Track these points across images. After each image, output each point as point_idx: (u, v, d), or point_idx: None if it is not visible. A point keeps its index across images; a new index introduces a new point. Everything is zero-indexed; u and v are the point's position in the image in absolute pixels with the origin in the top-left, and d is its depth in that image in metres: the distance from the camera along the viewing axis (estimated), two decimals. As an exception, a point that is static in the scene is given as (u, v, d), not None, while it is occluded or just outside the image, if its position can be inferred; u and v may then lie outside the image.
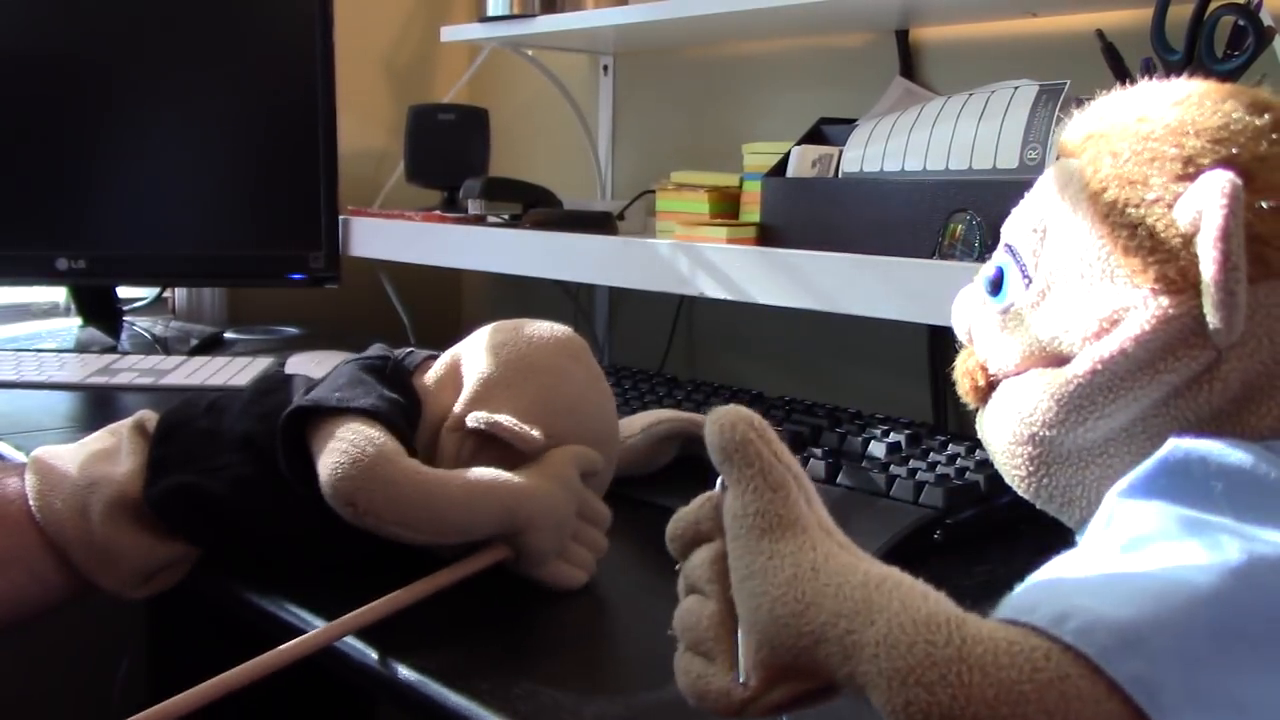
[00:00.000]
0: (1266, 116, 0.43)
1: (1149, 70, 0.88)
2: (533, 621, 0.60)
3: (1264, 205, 0.41)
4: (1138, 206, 0.43)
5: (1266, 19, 0.83)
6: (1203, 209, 0.40)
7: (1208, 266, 0.40)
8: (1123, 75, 0.89)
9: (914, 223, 0.96)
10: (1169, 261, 0.41)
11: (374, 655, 0.55)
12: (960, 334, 0.53)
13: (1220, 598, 0.34)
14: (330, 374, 0.65)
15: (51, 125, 1.33)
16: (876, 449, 0.84)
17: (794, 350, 1.41)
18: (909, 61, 1.26)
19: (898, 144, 1.02)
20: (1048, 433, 0.45)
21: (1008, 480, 0.49)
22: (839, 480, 0.78)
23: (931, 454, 0.84)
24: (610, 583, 0.63)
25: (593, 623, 0.61)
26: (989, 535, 0.74)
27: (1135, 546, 0.37)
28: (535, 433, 0.62)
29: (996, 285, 0.49)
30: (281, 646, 0.54)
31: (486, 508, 0.59)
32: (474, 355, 0.66)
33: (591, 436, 0.65)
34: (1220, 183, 0.40)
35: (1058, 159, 0.49)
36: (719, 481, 0.41)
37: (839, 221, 1.02)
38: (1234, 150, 0.42)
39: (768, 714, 0.39)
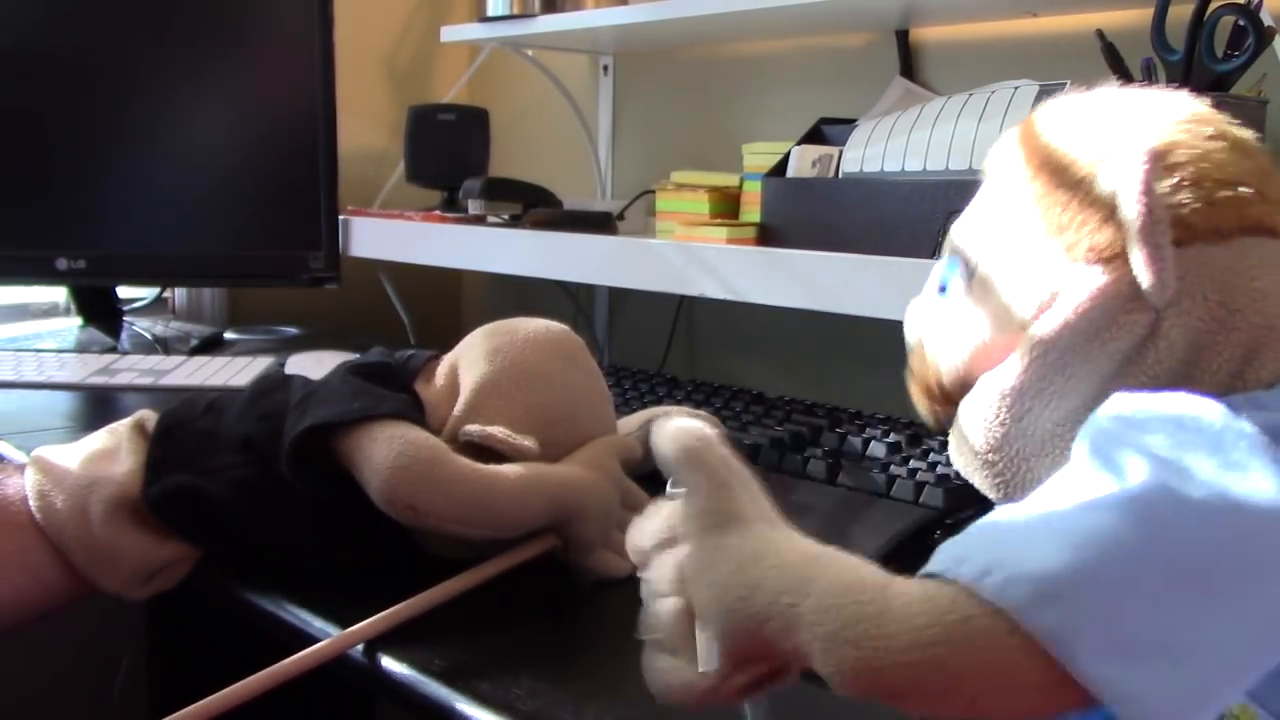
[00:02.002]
0: (1180, 108, 0.46)
1: (1149, 70, 0.88)
2: (533, 621, 0.60)
3: (1175, 163, 0.44)
4: (1066, 187, 0.46)
5: (1266, 19, 0.83)
6: (1121, 173, 0.43)
7: (1132, 223, 0.42)
8: (1123, 75, 0.89)
9: (914, 223, 0.96)
10: (1097, 232, 0.44)
11: (373, 655, 0.55)
12: (911, 340, 0.55)
13: (1143, 545, 0.35)
14: (328, 379, 0.65)
15: (52, 125, 1.33)
16: (877, 449, 0.84)
17: (794, 350, 1.41)
18: (909, 61, 1.26)
19: (898, 144, 1.02)
20: (1015, 427, 0.47)
21: (990, 495, 0.50)
22: (839, 480, 0.78)
23: (931, 454, 0.84)
24: (611, 582, 0.63)
25: (593, 623, 0.61)
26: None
27: (1059, 482, 0.38)
28: (529, 443, 0.62)
29: (944, 290, 0.52)
30: (314, 647, 0.54)
31: (538, 499, 0.59)
32: (470, 362, 0.66)
33: (587, 440, 0.66)
34: (1136, 148, 0.43)
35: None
36: (670, 488, 0.44)
37: (839, 222, 1.02)
38: (1146, 134, 0.45)
39: (731, 699, 0.41)
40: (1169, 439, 0.38)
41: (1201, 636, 0.34)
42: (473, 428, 0.62)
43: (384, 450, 0.58)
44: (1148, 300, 0.43)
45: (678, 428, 0.43)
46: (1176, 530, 0.35)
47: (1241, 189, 0.44)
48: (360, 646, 0.55)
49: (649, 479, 0.80)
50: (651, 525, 0.45)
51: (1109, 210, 0.44)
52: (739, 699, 0.42)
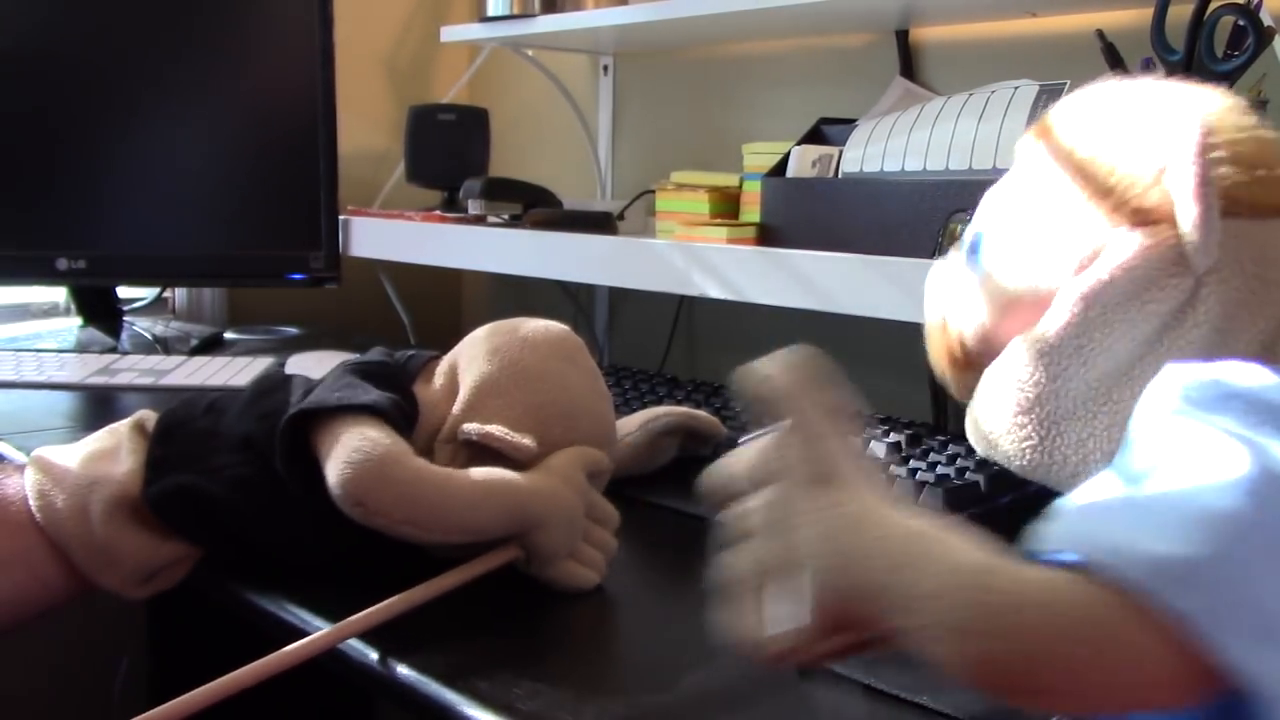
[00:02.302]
0: (1212, 97, 0.47)
1: (1149, 70, 0.88)
2: (532, 621, 0.60)
3: (1219, 141, 0.44)
4: (1110, 154, 0.46)
5: (1266, 19, 0.83)
6: (1176, 136, 0.44)
7: (1185, 186, 0.43)
8: (1123, 75, 0.89)
9: (914, 223, 0.96)
10: (1144, 197, 0.45)
11: (374, 655, 0.55)
12: (933, 316, 0.54)
13: (1264, 520, 0.34)
14: (325, 378, 0.65)
15: (52, 125, 1.33)
16: (877, 449, 0.84)
17: (794, 350, 1.41)
18: (909, 61, 1.26)
19: (898, 144, 1.02)
20: (1050, 386, 0.46)
21: (1016, 461, 0.49)
22: (839, 480, 0.78)
23: (931, 454, 0.84)
24: (611, 583, 0.63)
25: (593, 623, 0.61)
26: (989, 535, 0.74)
27: (1165, 467, 0.36)
28: (527, 441, 0.62)
29: (975, 251, 0.51)
30: (290, 646, 0.54)
31: (494, 507, 0.59)
32: (469, 361, 0.66)
33: (586, 441, 0.66)
34: (1191, 120, 0.44)
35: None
36: (769, 429, 0.42)
37: (839, 221, 1.02)
38: (1195, 106, 0.46)
39: (812, 662, 0.40)
40: (1246, 414, 0.37)
41: None
42: (470, 426, 0.62)
43: (342, 445, 0.58)
44: (1189, 265, 0.44)
45: (793, 360, 0.41)
46: None
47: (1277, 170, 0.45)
48: (373, 651, 0.55)
49: (648, 482, 0.80)
50: (739, 462, 0.43)
51: (1157, 174, 0.44)
52: (819, 663, 0.39)
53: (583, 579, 0.62)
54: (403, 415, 0.63)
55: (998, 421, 0.49)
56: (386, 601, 0.56)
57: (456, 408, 0.65)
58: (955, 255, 0.53)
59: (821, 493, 0.38)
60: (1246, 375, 0.39)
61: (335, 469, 0.57)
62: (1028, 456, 0.48)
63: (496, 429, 0.62)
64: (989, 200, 0.52)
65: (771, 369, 0.41)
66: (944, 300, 0.53)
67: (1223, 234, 0.44)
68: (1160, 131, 0.45)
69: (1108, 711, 0.34)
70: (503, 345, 0.66)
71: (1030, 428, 0.47)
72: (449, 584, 0.58)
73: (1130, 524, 0.35)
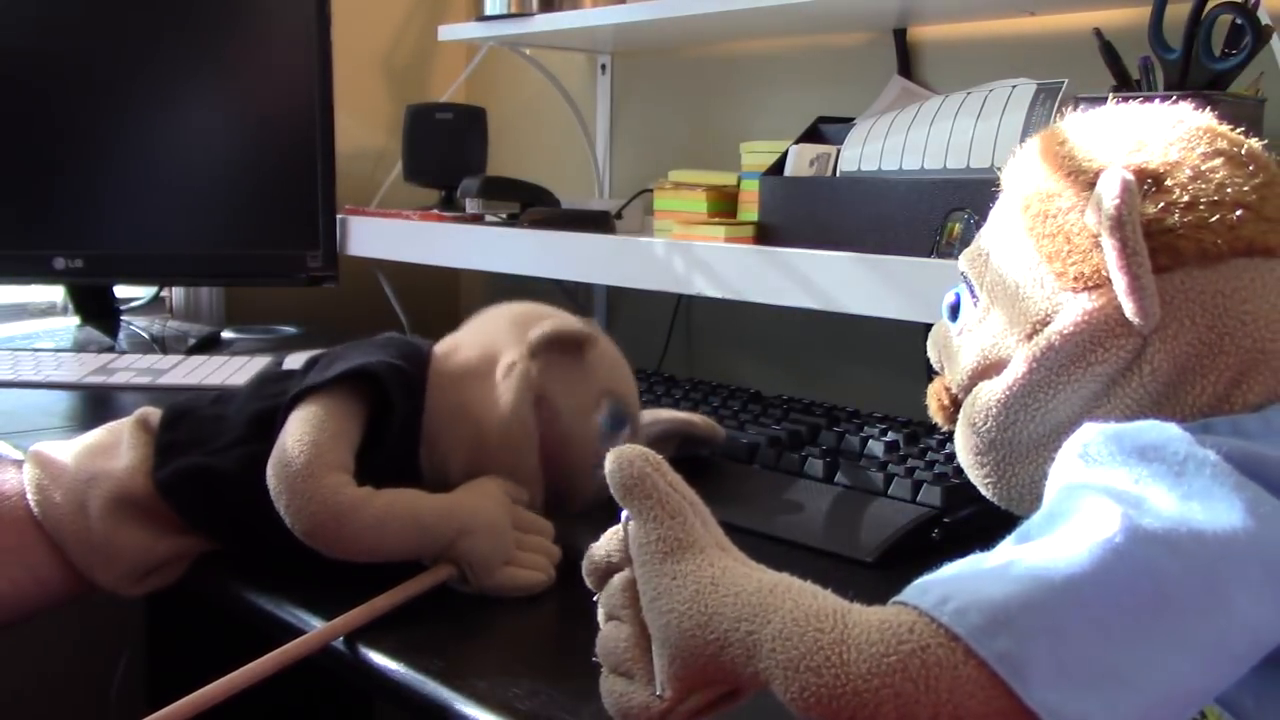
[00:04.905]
0: (1180, 126, 0.46)
1: (1147, 69, 0.88)
2: (531, 622, 0.60)
3: (1168, 186, 0.44)
4: (1055, 216, 0.46)
5: (1264, 18, 0.83)
6: (1101, 205, 0.43)
7: (1109, 256, 0.43)
8: (1120, 74, 0.89)
9: (912, 221, 0.96)
10: (1085, 261, 0.45)
11: (372, 655, 0.55)
12: (934, 362, 0.56)
13: (1098, 576, 0.35)
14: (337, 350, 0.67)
15: (50, 125, 1.32)
16: (875, 448, 0.84)
17: (792, 349, 1.41)
18: (907, 60, 1.26)
19: (895, 143, 1.02)
20: (1001, 435, 0.48)
21: (984, 492, 0.52)
22: (837, 479, 0.78)
23: (929, 453, 0.84)
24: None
25: (592, 623, 0.61)
26: (987, 534, 0.74)
27: (1035, 532, 0.38)
28: (593, 330, 0.67)
29: (954, 311, 0.53)
30: (267, 655, 0.54)
31: (398, 530, 0.59)
32: (493, 319, 0.71)
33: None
34: (1113, 178, 0.43)
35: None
36: (624, 515, 0.44)
37: (837, 220, 1.02)
38: (1144, 158, 0.45)
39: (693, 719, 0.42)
40: (1131, 472, 0.38)
41: (1146, 665, 0.34)
42: (542, 326, 0.68)
43: (283, 441, 0.59)
44: (1134, 327, 0.44)
45: (626, 454, 0.43)
46: (1131, 563, 0.35)
47: (1237, 210, 0.44)
48: (371, 651, 0.55)
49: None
50: (601, 549, 0.46)
51: (1095, 240, 0.44)
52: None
53: (527, 580, 0.62)
54: (398, 374, 0.64)
55: (964, 459, 0.52)
56: (303, 637, 0.56)
57: (511, 342, 0.68)
58: (942, 311, 0.55)
59: (678, 564, 0.41)
60: (1147, 433, 0.40)
61: (269, 463, 0.59)
62: (988, 490, 0.51)
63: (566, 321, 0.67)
64: (965, 256, 0.53)
65: (611, 465, 0.43)
66: (936, 355, 0.55)
67: (1168, 288, 0.43)
68: (1096, 193, 0.44)
69: None
70: (529, 310, 0.72)
71: (989, 467, 0.50)
72: (376, 610, 0.58)
73: (971, 575, 0.37)
